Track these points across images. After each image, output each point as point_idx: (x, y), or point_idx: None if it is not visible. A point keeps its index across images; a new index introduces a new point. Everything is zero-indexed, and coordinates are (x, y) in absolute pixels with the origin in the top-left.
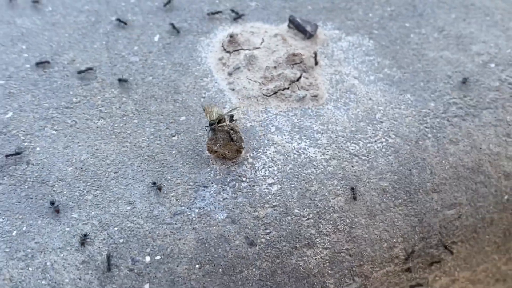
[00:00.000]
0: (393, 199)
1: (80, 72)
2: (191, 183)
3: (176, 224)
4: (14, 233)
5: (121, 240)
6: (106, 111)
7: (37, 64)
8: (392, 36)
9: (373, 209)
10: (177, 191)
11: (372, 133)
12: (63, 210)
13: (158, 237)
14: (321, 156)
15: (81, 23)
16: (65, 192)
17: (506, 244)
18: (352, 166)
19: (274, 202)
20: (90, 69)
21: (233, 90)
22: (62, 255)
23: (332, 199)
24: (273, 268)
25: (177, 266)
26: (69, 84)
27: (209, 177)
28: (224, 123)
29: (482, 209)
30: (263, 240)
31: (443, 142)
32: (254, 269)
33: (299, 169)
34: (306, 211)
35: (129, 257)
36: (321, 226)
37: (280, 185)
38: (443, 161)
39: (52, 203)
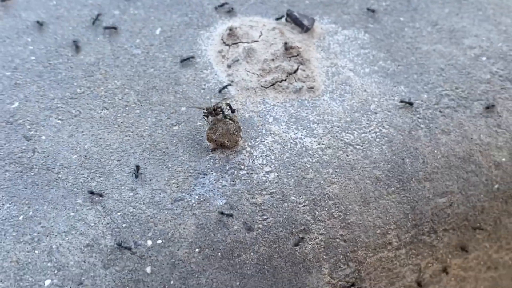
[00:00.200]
0: (386, 187)
1: (182, 60)
2: (191, 171)
3: (176, 209)
4: (20, 218)
5: (124, 225)
6: (109, 102)
7: (105, 28)
8: (387, 30)
9: (367, 197)
10: (178, 178)
11: (367, 123)
12: (68, 196)
13: (159, 222)
14: (317, 145)
15: (85, 17)
16: (70, 179)
17: (497, 232)
18: (347, 155)
19: (271, 189)
20: (192, 57)
21: (232, 81)
22: (67, 238)
23: (327, 186)
24: (270, 253)
25: (178, 249)
26: (73, 75)
27: (209, 165)
28: (221, 113)
29: (473, 197)
30: (260, 225)
31: (435, 132)
32: (251, 253)
33: (296, 157)
34: (302, 198)
35: (132, 241)
36: (317, 212)
37: (277, 173)
38: (435, 151)
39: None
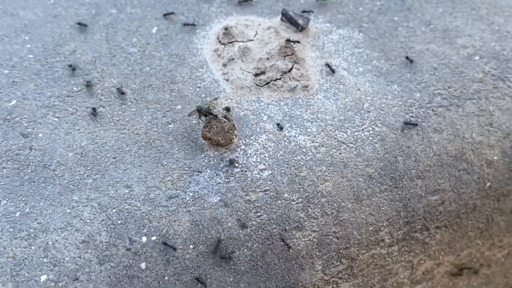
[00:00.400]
0: (379, 185)
1: (185, 24)
2: (186, 168)
3: (171, 206)
4: (17, 214)
5: (119, 221)
6: (105, 100)
7: (164, 15)
8: (381, 29)
9: (359, 194)
10: (173, 176)
11: (360, 122)
12: (64, 193)
13: (154, 218)
14: (310, 143)
15: (82, 15)
16: (66, 176)
17: (489, 230)
18: (340, 153)
19: (265, 186)
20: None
21: (227, 80)
22: (63, 235)
23: (321, 184)
24: (263, 249)
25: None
26: (70, 73)
27: (203, 163)
28: (214, 111)
29: (465, 195)
30: (254, 222)
31: (428, 131)
32: (245, 250)
33: (289, 155)
34: (295, 195)
35: (127, 237)
36: (310, 210)
37: (271, 170)
38: (427, 149)
39: None
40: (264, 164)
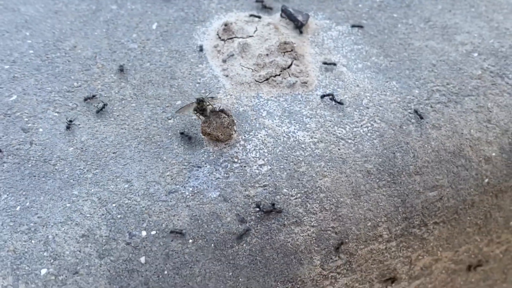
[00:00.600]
0: (377, 180)
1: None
2: (185, 164)
3: (171, 201)
4: (18, 208)
5: (118, 216)
6: (105, 95)
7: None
8: (380, 26)
9: (358, 190)
10: (172, 171)
11: (359, 118)
12: (64, 188)
13: (153, 213)
14: (309, 139)
15: (82, 11)
16: (66, 171)
17: (487, 226)
18: (339, 149)
19: (264, 182)
20: None
21: (227, 76)
22: (63, 229)
23: (319, 179)
24: (262, 244)
25: (172, 240)
26: (70, 69)
27: (203, 158)
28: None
29: (463, 191)
30: (253, 217)
31: (426, 127)
32: (244, 245)
33: (288, 151)
34: (294, 191)
35: (126, 231)
36: (309, 205)
37: (270, 166)
38: (426, 145)
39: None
40: (263, 160)
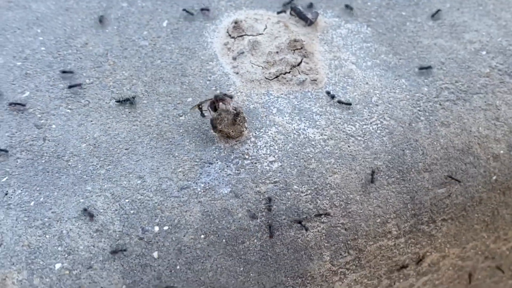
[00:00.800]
0: (387, 177)
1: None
2: (197, 160)
3: (183, 197)
4: (32, 204)
5: (131, 211)
6: (117, 92)
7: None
8: (389, 24)
9: (367, 187)
10: (184, 167)
11: (368, 115)
12: (78, 183)
13: (166, 209)
14: (319, 136)
15: (93, 9)
16: (79, 167)
17: (494, 223)
18: (349, 146)
19: (274, 178)
20: None
21: (237, 73)
22: (77, 224)
23: (329, 176)
24: (273, 240)
25: (184, 236)
26: (82, 66)
27: (214, 155)
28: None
29: (471, 188)
30: (264, 213)
31: (435, 124)
32: (255, 240)
33: (299, 148)
34: (304, 187)
35: (139, 226)
36: (319, 201)
37: (281, 162)
38: (435, 143)
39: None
40: (274, 156)
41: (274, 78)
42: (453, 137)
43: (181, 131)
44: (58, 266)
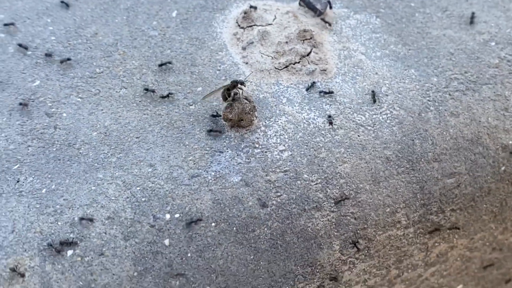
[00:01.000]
0: (396, 167)
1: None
2: (207, 149)
3: (194, 185)
4: (43, 191)
5: (143, 199)
6: (127, 81)
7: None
8: (398, 15)
9: (377, 176)
10: (195, 156)
11: (378, 105)
12: (89, 171)
13: (177, 196)
14: (329, 125)
15: None
16: (90, 155)
17: (502, 213)
18: (358, 136)
19: (284, 167)
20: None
21: (246, 63)
22: (88, 211)
23: (339, 165)
24: (283, 228)
25: (195, 223)
26: (92, 55)
27: (224, 143)
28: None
29: (480, 178)
30: (274, 202)
31: (445, 114)
32: (265, 229)
33: (309, 137)
34: (314, 176)
35: (151, 214)
36: (328, 190)
37: (291, 152)
38: (444, 133)
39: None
40: (284, 146)
41: (284, 68)
42: (462, 127)
43: (191, 120)
44: (70, 252)
